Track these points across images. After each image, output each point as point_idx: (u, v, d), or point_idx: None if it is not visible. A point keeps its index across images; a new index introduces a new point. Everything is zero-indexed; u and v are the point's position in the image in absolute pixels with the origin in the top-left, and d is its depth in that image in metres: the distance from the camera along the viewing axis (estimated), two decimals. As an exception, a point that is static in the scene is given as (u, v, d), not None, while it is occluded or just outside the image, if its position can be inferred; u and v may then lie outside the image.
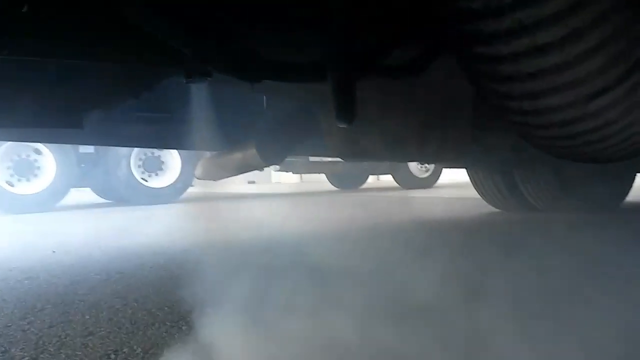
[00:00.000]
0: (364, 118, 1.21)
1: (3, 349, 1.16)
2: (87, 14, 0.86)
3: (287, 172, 9.26)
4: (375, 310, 1.13)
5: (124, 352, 1.11)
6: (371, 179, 10.91)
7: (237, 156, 2.52)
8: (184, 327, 1.27)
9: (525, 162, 3.11)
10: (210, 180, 2.94)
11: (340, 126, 1.05)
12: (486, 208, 3.96)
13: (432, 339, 0.94)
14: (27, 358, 1.10)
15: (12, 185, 5.77)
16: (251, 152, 2.41)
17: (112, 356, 1.09)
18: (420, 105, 1.65)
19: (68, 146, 5.95)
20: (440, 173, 9.08)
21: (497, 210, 3.90)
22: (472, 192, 4.07)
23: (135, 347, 1.14)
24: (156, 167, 6.68)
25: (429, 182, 8.84)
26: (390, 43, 0.97)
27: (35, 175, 5.88)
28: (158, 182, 6.68)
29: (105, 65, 1.26)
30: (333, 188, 9.73)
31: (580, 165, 3.04)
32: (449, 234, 2.94)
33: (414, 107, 1.64)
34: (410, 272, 1.35)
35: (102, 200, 7.37)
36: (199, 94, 1.86)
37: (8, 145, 5.72)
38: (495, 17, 0.70)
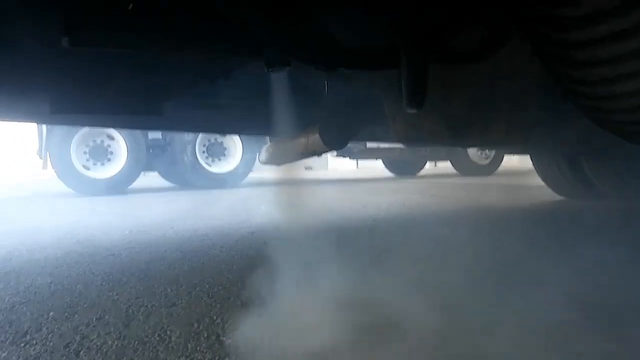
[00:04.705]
0: (428, 103, 1.23)
1: (98, 315, 1.29)
2: (177, 8, 0.93)
3: (344, 157, 9.30)
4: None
5: (205, 321, 1.21)
6: (428, 165, 10.78)
7: (301, 141, 2.59)
8: (257, 302, 1.35)
9: (593, 148, 3.01)
10: (273, 165, 3.03)
11: (409, 111, 1.08)
12: (551, 195, 3.86)
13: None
14: (120, 324, 1.21)
15: (88, 169, 6.16)
16: (314, 138, 2.48)
17: (195, 325, 1.19)
18: (485, 89, 1.64)
19: (138, 132, 6.27)
20: (501, 160, 8.83)
21: (562, 197, 3.79)
22: (533, 180, 3.97)
23: (215, 317, 1.24)
24: (219, 153, 6.93)
25: (489, 169, 8.62)
26: (462, 25, 0.99)
27: (109, 160, 6.25)
28: (221, 167, 6.93)
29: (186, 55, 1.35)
30: (390, 174, 9.70)
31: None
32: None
33: (479, 91, 1.63)
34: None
35: (168, 184, 7.72)
36: (265, 82, 1.93)
37: (84, 131, 6.11)
38: (572, 3, 0.71)
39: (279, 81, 1.87)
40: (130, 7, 0.77)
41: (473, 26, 1.08)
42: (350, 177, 9.80)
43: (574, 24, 0.73)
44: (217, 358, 0.99)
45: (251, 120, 2.53)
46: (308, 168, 12.69)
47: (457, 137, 1.75)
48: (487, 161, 8.59)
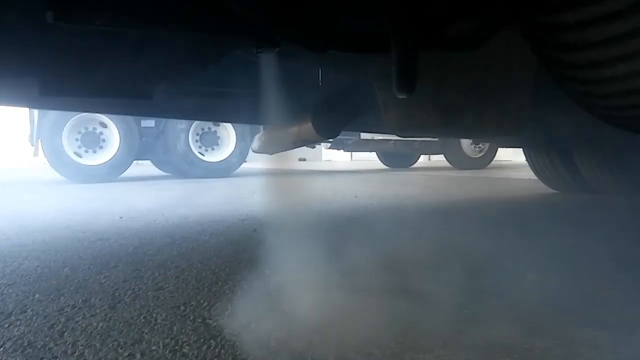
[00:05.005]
0: (420, 91, 1.22)
1: (84, 298, 1.28)
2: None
3: (338, 150, 9.30)
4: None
5: (192, 304, 1.20)
6: (422, 159, 10.80)
7: (293, 130, 2.58)
8: (245, 286, 1.34)
9: (585, 142, 3.02)
10: (266, 153, 3.02)
11: (400, 97, 1.08)
12: (543, 189, 3.88)
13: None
14: (105, 306, 1.21)
15: (80, 157, 6.12)
16: (307, 126, 2.46)
17: (182, 307, 1.18)
18: (478, 78, 1.64)
19: (131, 120, 6.23)
20: (495, 154, 8.87)
21: (554, 191, 3.81)
22: (526, 173, 3.99)
23: (201, 301, 1.23)
24: (212, 142, 6.90)
25: (483, 162, 8.65)
26: (455, 14, 0.98)
27: (101, 147, 6.21)
28: (214, 156, 6.90)
29: (175, 37, 1.33)
30: (383, 167, 9.71)
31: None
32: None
33: (472, 81, 1.63)
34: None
35: (161, 173, 7.68)
36: (258, 69, 1.92)
37: (76, 118, 6.06)
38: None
39: (271, 69, 1.85)
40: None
41: (467, 17, 1.07)
42: (343, 169, 9.80)
43: (563, 6, 0.73)
44: (202, 340, 0.98)
45: (243, 109, 2.52)
46: (302, 159, 12.68)
47: (450, 126, 1.74)
48: (481, 154, 8.62)
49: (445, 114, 1.72)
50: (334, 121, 2.41)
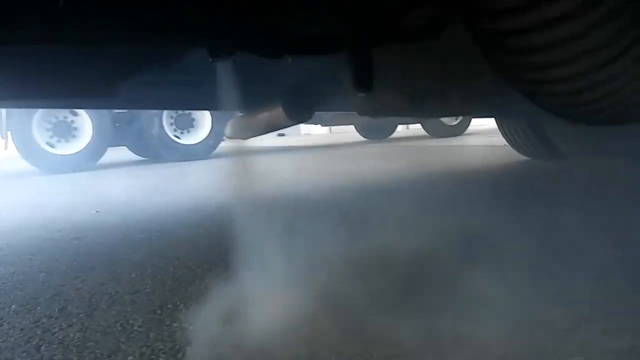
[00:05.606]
0: (384, 78, 1.23)
1: (60, 306, 1.29)
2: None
3: (316, 124, 9.27)
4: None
5: (169, 307, 1.22)
6: (400, 128, 10.85)
7: (265, 115, 2.57)
8: (221, 284, 1.36)
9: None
10: (240, 139, 3.01)
11: (359, 94, 1.08)
12: (516, 156, 3.95)
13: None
14: (82, 315, 1.22)
15: (52, 147, 6.01)
16: (278, 111, 2.46)
17: (158, 312, 1.20)
18: (441, 60, 1.64)
19: (102, 107, 6.11)
20: (470, 121, 8.96)
21: (527, 158, 3.88)
22: (500, 139, 4.06)
23: (178, 303, 1.25)
24: (188, 124, 6.82)
25: (459, 129, 8.75)
26: (405, 8, 0.98)
27: (74, 136, 6.10)
28: (190, 139, 6.84)
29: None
30: (362, 138, 9.74)
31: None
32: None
33: (436, 65, 1.64)
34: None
35: (137, 158, 7.59)
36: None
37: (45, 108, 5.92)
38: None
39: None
40: (60, 4, 0.74)
41: (418, 10, 1.06)
42: (322, 143, 9.80)
43: (504, 13, 0.74)
44: (177, 347, 1.00)
45: (214, 96, 2.49)
46: (281, 135, 12.60)
47: (416, 108, 1.76)
48: (457, 122, 8.69)
49: (411, 97, 1.73)
50: (304, 105, 2.41)
